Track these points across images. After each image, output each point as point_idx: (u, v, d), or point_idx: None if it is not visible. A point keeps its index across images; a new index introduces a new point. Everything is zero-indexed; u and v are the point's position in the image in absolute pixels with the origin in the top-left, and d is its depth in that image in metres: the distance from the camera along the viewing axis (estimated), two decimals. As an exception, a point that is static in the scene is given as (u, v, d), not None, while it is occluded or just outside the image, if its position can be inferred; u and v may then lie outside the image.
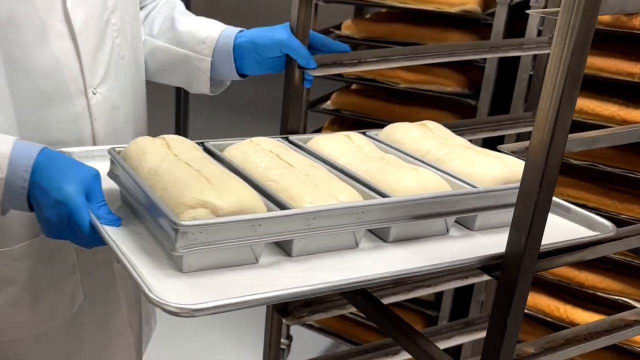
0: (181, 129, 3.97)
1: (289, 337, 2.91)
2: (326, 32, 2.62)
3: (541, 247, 0.98)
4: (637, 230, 1.24)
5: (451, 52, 1.58)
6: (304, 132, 1.54)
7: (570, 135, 0.91)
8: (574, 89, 0.86)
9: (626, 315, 1.30)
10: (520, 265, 0.96)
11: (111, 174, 1.23)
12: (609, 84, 2.14)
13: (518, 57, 2.18)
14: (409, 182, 1.20)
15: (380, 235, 1.18)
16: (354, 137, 1.41)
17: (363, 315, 2.57)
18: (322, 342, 3.19)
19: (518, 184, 0.94)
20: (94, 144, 1.39)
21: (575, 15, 0.82)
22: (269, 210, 1.09)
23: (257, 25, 1.52)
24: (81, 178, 1.14)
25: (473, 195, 1.20)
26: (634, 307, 2.07)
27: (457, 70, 2.44)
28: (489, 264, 1.07)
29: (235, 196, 1.06)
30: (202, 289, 0.99)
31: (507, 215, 1.02)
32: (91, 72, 1.36)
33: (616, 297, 2.18)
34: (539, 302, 2.31)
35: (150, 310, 1.77)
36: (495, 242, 1.12)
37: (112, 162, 1.23)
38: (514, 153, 0.95)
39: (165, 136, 1.26)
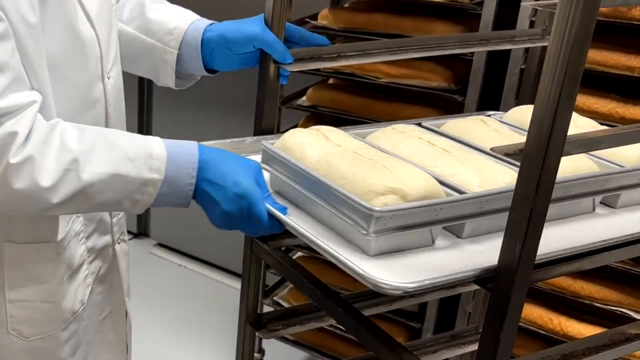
0: (144, 123, 3.95)
1: (262, 351, 2.90)
2: (301, 22, 2.61)
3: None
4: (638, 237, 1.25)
5: (438, 45, 1.58)
6: (278, 131, 1.53)
7: (568, 136, 0.91)
8: (573, 87, 0.86)
9: (627, 328, 1.31)
10: (515, 277, 0.96)
11: (265, 166, 1.36)
12: (605, 79, 2.15)
13: (508, 50, 2.18)
14: (563, 165, 1.28)
15: None
16: (489, 122, 1.55)
17: (341, 327, 2.57)
18: (296, 356, 3.19)
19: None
20: (107, 127, 1.44)
21: (575, 8, 0.82)
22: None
23: (232, 17, 1.51)
24: (251, 171, 1.29)
25: (621, 174, 1.34)
26: (633, 319, 2.08)
27: (443, 64, 2.44)
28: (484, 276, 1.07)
29: (420, 182, 1.20)
30: (402, 269, 1.11)
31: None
32: (107, 57, 1.42)
33: (614, 308, 2.18)
34: (531, 313, 2.31)
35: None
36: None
37: (266, 154, 1.36)
38: (508, 155, 0.95)
39: (319, 127, 1.41)
